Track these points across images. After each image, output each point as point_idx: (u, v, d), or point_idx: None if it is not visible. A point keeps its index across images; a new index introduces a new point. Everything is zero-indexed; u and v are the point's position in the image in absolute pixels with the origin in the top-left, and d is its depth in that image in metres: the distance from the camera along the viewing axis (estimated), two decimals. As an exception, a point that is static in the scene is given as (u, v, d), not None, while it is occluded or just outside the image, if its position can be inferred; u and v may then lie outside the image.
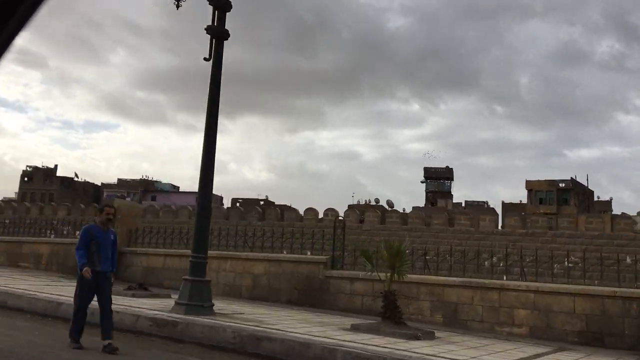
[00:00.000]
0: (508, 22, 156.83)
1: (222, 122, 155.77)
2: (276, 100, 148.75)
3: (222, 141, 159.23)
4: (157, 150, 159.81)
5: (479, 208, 62.40)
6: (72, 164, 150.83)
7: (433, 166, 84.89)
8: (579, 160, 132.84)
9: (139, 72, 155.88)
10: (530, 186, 67.49)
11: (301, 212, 26.13)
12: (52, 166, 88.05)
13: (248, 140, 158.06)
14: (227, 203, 72.54)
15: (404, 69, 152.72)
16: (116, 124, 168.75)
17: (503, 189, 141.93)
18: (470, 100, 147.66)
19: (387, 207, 50.17)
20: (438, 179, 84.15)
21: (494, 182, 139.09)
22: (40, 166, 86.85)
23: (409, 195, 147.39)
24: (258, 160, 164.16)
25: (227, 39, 10.51)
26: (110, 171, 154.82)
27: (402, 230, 29.28)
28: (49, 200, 73.68)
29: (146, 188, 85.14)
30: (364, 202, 64.99)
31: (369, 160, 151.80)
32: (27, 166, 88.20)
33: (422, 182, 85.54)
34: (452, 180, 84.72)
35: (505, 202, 71.21)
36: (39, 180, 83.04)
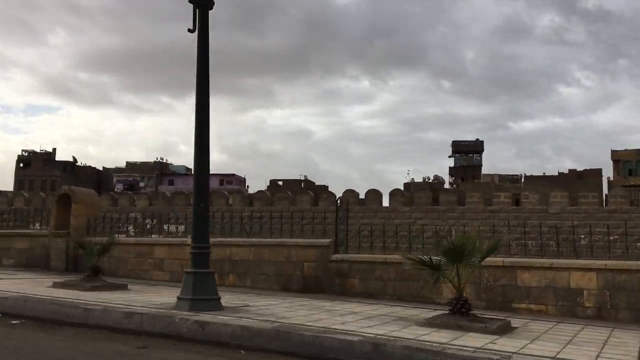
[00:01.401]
0: None
1: (171, 103, 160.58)
2: (225, 80, 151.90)
3: (171, 123, 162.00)
4: (103, 133, 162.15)
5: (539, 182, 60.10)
6: (14, 149, 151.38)
7: (461, 139, 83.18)
8: (523, 131, 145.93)
9: (82, 53, 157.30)
10: (617, 156, 65.07)
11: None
12: (49, 150, 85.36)
13: None
14: (261, 186, 71.42)
15: (353, 47, 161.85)
16: (59, 106, 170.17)
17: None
18: (418, 76, 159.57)
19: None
20: (467, 153, 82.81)
21: (442, 156, 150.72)
22: (39, 150, 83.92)
23: (360, 172, 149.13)
24: (211, 141, 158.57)
25: (212, 8, 9.70)
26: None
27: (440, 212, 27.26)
28: (51, 188, 71.91)
29: (162, 171, 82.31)
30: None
31: (321, 138, 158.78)
32: (23, 151, 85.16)
33: (450, 156, 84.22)
34: (483, 151, 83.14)
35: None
36: (38, 166, 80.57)
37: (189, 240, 11.40)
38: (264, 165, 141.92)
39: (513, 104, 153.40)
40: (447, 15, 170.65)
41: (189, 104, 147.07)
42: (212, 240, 10.04)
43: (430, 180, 74.23)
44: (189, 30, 9.44)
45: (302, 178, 72.05)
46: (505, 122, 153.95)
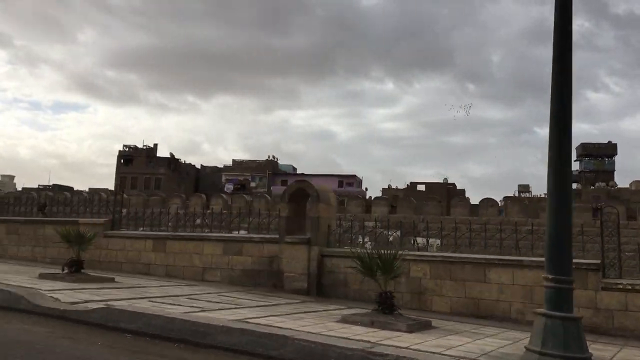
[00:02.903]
0: (481, 0, 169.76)
1: (195, 101, 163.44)
2: (250, 79, 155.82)
3: (195, 121, 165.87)
4: (129, 131, 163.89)
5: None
6: (42, 145, 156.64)
7: (592, 142, 76.23)
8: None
9: (110, 51, 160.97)
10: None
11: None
12: (140, 144, 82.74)
13: (222, 120, 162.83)
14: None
15: (378, 48, 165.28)
16: (86, 104, 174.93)
17: (476, 166, 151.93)
18: (443, 79, 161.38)
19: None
20: (598, 157, 75.55)
21: (465, 159, 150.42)
22: (141, 146, 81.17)
23: (383, 174, 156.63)
24: (232, 140, 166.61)
25: None
26: (82, 153, 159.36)
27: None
28: (155, 187, 68.17)
29: (273, 170, 78.28)
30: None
31: (343, 140, 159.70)
32: (124, 146, 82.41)
33: (576, 160, 77.13)
34: (616, 155, 75.81)
35: None
36: (141, 163, 77.64)
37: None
38: (287, 165, 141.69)
39: (539, 108, 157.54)
40: (474, 18, 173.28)
41: (214, 103, 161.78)
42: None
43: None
44: None
45: (445, 181, 66.02)
46: (530, 126, 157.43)
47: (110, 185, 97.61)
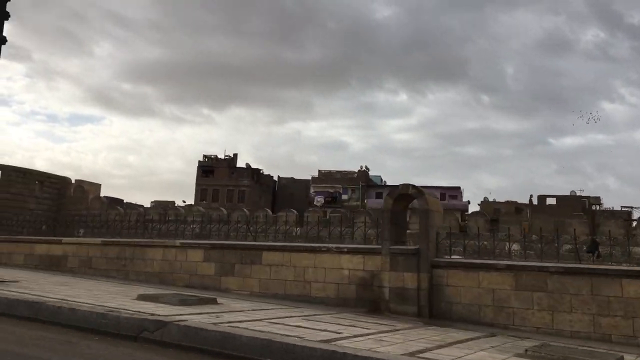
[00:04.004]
0: (494, 11, 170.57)
1: (209, 114, 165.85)
2: (263, 91, 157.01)
3: (208, 133, 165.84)
4: (143, 143, 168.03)
5: None
6: (58, 157, 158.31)
7: None
8: (563, 148, 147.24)
9: (126, 65, 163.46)
10: None
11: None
12: (220, 154, 79.64)
13: (235, 132, 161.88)
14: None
15: (391, 60, 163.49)
16: (101, 116, 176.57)
17: (489, 177, 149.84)
18: (457, 90, 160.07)
19: None
20: None
21: (479, 171, 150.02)
22: (223, 156, 78.57)
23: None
24: (245, 151, 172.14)
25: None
26: (97, 164, 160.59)
27: None
28: (239, 200, 66.01)
29: (367, 182, 73.49)
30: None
31: (356, 151, 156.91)
32: (204, 156, 79.44)
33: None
34: None
35: None
36: (223, 174, 74.79)
37: None
38: (300, 176, 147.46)
39: (554, 119, 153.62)
40: (488, 29, 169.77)
41: (228, 115, 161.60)
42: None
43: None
44: None
45: (581, 193, 61.36)
46: (545, 137, 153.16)
47: (185, 198, 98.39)
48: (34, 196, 38.80)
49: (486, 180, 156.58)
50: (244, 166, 76.44)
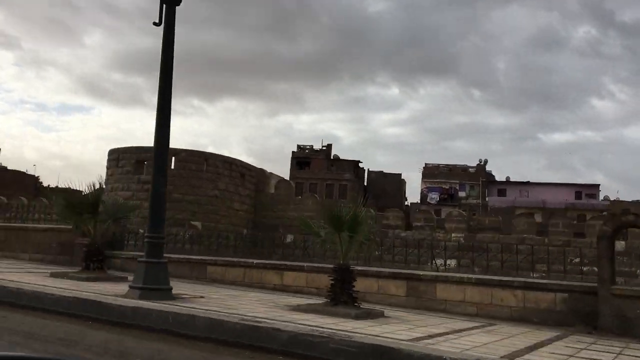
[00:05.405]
0: (486, 8, 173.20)
1: (200, 105, 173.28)
2: (255, 84, 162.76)
3: (200, 125, 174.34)
4: (133, 133, 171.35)
5: None
6: (47, 146, 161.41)
7: None
8: (552, 144, 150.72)
9: (116, 54, 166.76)
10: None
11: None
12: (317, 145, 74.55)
13: (227, 124, 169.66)
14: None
15: (383, 54, 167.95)
16: (91, 106, 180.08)
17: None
18: (448, 85, 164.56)
19: None
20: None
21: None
22: (321, 147, 73.27)
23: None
24: (236, 144, 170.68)
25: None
26: (86, 154, 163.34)
27: None
28: (340, 195, 59.81)
29: (487, 178, 67.23)
30: None
31: (347, 144, 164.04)
32: (298, 147, 74.49)
33: None
34: None
35: None
36: (320, 166, 69.73)
37: None
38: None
39: (543, 115, 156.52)
40: (480, 25, 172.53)
41: (219, 107, 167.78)
42: None
43: None
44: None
45: None
46: (534, 133, 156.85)
47: None
48: (237, 193, 30.96)
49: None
50: (341, 158, 71.29)
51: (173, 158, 28.00)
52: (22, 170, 73.60)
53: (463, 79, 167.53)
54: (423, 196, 64.79)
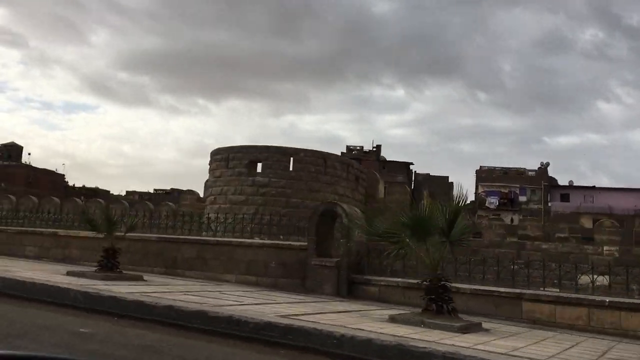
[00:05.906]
0: (492, 9, 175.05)
1: (205, 104, 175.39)
2: (260, 84, 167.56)
3: (205, 124, 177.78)
4: (137, 132, 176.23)
5: None
6: (52, 145, 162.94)
7: None
8: (557, 147, 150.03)
9: (122, 53, 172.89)
10: None
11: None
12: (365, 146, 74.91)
13: (231, 123, 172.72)
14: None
15: (389, 55, 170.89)
16: (96, 105, 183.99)
17: None
18: (454, 86, 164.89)
19: None
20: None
21: (472, 168, 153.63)
22: (371, 148, 73.69)
23: None
24: (241, 143, 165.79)
25: None
26: (91, 153, 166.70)
27: None
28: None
29: (549, 182, 65.29)
30: None
31: (351, 145, 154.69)
32: (347, 147, 74.29)
33: None
34: None
35: None
36: (372, 168, 67.98)
37: None
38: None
39: (549, 118, 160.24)
40: (486, 27, 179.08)
41: (223, 106, 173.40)
42: None
43: None
44: None
45: None
46: (540, 135, 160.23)
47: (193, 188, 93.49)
48: (353, 199, 27.83)
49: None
50: (391, 160, 71.20)
51: (291, 159, 26.50)
52: (51, 169, 74.33)
53: (468, 80, 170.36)
54: (481, 200, 63.70)
